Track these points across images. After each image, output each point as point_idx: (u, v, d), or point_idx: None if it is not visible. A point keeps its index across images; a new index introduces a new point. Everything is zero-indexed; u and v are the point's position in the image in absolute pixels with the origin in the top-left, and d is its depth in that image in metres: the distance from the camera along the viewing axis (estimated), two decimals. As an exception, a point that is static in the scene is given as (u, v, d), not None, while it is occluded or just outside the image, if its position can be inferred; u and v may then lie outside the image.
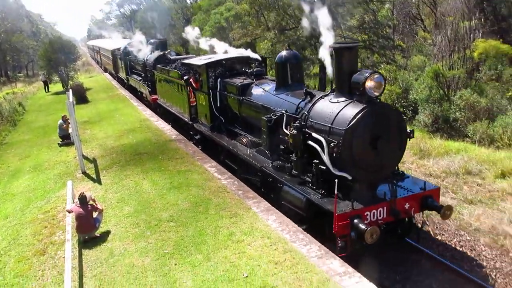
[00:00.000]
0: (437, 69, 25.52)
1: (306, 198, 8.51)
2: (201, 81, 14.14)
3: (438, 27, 31.36)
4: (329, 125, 8.39)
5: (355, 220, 7.65)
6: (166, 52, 22.84)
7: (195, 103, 15.20)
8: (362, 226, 7.50)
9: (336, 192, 7.57)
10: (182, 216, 9.65)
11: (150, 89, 22.87)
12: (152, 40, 26.41)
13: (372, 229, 7.40)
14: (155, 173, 12.62)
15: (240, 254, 7.87)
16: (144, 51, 25.48)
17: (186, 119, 16.14)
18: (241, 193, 10.64)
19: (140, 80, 25.70)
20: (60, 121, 17.54)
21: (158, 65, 20.15)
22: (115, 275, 7.62)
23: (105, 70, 47.58)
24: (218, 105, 13.68)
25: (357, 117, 7.95)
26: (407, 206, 8.34)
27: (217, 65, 13.96)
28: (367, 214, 7.90)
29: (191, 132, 16.13)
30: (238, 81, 12.85)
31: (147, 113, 22.22)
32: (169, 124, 19.07)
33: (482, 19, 30.46)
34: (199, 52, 27.06)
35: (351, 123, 7.94)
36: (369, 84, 8.01)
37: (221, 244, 8.30)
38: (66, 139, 17.23)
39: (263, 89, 11.49)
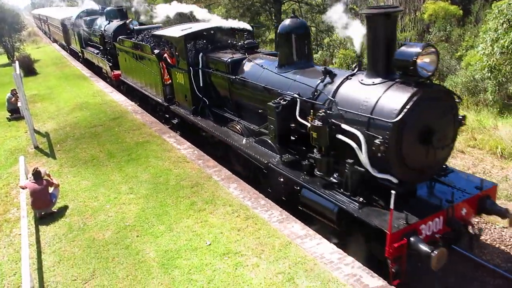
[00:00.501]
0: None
1: (338, 208, 6.68)
2: (177, 56, 12.21)
3: (390, -10, 31.68)
4: (368, 115, 6.46)
5: (412, 239, 5.92)
6: (127, 22, 20.09)
7: (169, 81, 13.26)
8: (425, 248, 5.77)
9: (392, 207, 5.76)
10: (142, 188, 9.54)
11: (111, 64, 20.52)
12: (109, 8, 23.74)
13: (440, 252, 5.67)
14: (112, 145, 12.35)
15: (202, 223, 7.89)
16: (100, 20, 23.41)
17: (159, 100, 14.13)
18: (201, 162, 10.58)
19: (98, 54, 23.16)
20: (9, 94, 16.82)
21: (120, 37, 17.91)
22: (75, 250, 7.50)
23: (55, 41, 44.49)
24: (201, 84, 11.64)
25: (409, 105, 6.03)
26: (464, 212, 6.71)
27: (198, 37, 12.00)
28: (422, 228, 6.22)
29: (167, 115, 14.13)
30: (226, 56, 10.83)
31: (101, 84, 21.56)
32: (136, 103, 17.17)
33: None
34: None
35: (402, 114, 6.01)
36: (423, 60, 6.11)
37: (183, 214, 8.29)
38: (15, 113, 16.57)
39: (261, 66, 9.60)
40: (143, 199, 9.04)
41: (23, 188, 8.98)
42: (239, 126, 10.37)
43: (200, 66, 11.61)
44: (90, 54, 25.03)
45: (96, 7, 25.65)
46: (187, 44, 11.67)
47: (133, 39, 16.56)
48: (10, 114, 16.70)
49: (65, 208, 9.04)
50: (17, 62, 17.80)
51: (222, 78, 10.85)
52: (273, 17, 34.57)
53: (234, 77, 10.21)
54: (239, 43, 11.27)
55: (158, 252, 7.17)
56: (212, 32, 12.15)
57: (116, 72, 19.53)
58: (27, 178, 9.51)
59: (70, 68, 27.93)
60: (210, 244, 7.22)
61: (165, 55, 13.03)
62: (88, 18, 24.64)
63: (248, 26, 11.87)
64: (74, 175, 10.59)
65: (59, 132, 14.15)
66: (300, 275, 6.25)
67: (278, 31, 9.25)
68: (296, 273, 6.30)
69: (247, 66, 10.16)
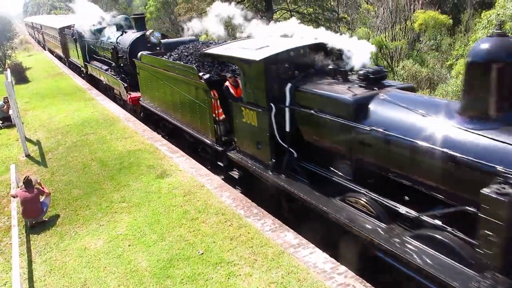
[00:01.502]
0: (381, 40, 26.19)
1: None
2: (246, 86, 8.68)
3: (380, -1, 32.04)
4: None
5: None
6: (147, 33, 16.95)
7: (222, 116, 10.02)
8: None
9: None
10: (134, 197, 9.50)
11: (126, 85, 16.91)
12: (120, 16, 20.88)
13: None
14: (104, 153, 12.30)
15: (195, 232, 7.86)
16: (109, 30, 20.32)
17: (207, 141, 10.60)
18: (194, 171, 10.57)
19: (107, 70, 19.44)
20: (0, 102, 16.71)
21: (143, 53, 14.30)
22: (66, 259, 7.44)
23: (50, 52, 41.25)
24: (288, 129, 8.11)
25: None
26: None
27: (284, 60, 8.39)
28: None
29: (220, 163, 10.40)
30: (342, 91, 7.19)
31: (93, 92, 21.50)
32: (161, 135, 13.92)
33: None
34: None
35: None
36: None
37: (175, 222, 8.26)
38: (6, 121, 16.45)
39: (423, 115, 5.99)
40: (135, 208, 9.00)
41: (14, 197, 8.91)
42: (367, 202, 6.71)
43: (288, 103, 8.00)
44: (96, 70, 21.46)
45: (106, 14, 22.35)
46: (268, 70, 8.11)
47: (166, 56, 12.90)
48: (1, 122, 16.58)
49: (56, 216, 8.98)
50: (8, 70, 17.72)
51: (334, 125, 7.09)
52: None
53: (367, 128, 6.51)
54: (356, 71, 7.63)
55: (150, 262, 7.13)
56: (301, 51, 8.53)
57: (134, 94, 16.10)
58: (18, 187, 9.44)
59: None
60: (202, 254, 7.20)
61: (227, 84, 9.50)
62: (94, 27, 21.71)
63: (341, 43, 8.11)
64: (66, 184, 10.53)
65: (50, 140, 14.07)
66: (293, 284, 6.25)
67: (469, 57, 5.56)
68: (289, 282, 6.29)
69: (387, 110, 6.53)
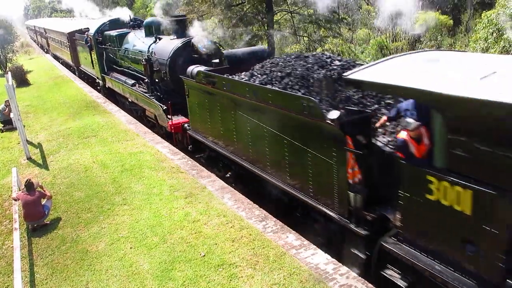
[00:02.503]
0: (381, 41, 26.20)
1: None
2: (446, 142, 4.97)
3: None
4: None
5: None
6: (195, 42, 12.93)
7: (358, 176, 6.32)
8: None
9: None
10: (136, 199, 9.50)
11: (164, 107, 13.23)
12: (152, 19, 16.66)
13: None
14: (106, 156, 12.30)
15: (196, 234, 7.86)
16: (134, 36, 16.96)
17: (329, 212, 6.91)
18: (195, 172, 10.57)
19: (134, 86, 16.12)
20: (2, 105, 16.74)
21: (201, 69, 10.60)
22: (68, 262, 7.44)
23: (55, 58, 38.33)
24: None
25: None
26: None
27: None
28: None
29: (358, 252, 6.56)
30: None
31: (94, 94, 21.51)
32: (222, 177, 10.52)
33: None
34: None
35: None
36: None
37: (177, 225, 8.25)
38: (8, 125, 16.47)
39: None
40: (136, 210, 8.99)
41: (15, 200, 8.92)
42: None
43: None
44: (118, 85, 17.84)
45: (123, 16, 19.16)
46: None
47: (242, 76, 9.54)
48: (2, 125, 16.61)
49: (58, 219, 8.97)
50: (9, 73, 17.75)
51: None
52: (266, 27, 34.75)
53: None
54: None
55: (152, 264, 7.12)
56: None
57: (177, 120, 12.70)
58: (20, 190, 9.44)
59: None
60: (204, 256, 7.19)
61: (404, 136, 5.71)
62: (114, 32, 18.14)
63: None
64: (67, 186, 10.53)
65: (52, 143, 14.07)
66: (295, 286, 6.23)
67: None
68: (291, 284, 6.28)
69: None
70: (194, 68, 11.14)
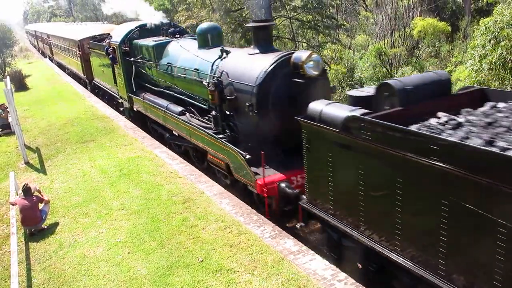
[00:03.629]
0: (380, 47, 26.25)
1: None
2: None
3: (379, 6, 32.20)
4: None
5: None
6: (298, 57, 8.55)
7: None
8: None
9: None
10: (134, 204, 9.48)
11: (248, 156, 8.71)
12: (212, 25, 12.59)
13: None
14: (104, 160, 12.29)
15: (194, 239, 7.84)
16: (176, 47, 12.95)
17: None
18: (194, 177, 10.56)
19: (182, 114, 11.98)
20: (-1, 109, 16.74)
21: (354, 113, 5.99)
22: (65, 267, 7.41)
23: (59, 67, 35.00)
24: None
25: None
26: None
27: None
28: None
29: None
30: None
31: (93, 99, 21.50)
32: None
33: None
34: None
35: None
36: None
37: (175, 230, 8.24)
38: (5, 129, 16.46)
39: None
40: (134, 215, 8.98)
41: (13, 205, 8.89)
42: None
43: None
44: (156, 111, 13.48)
45: (154, 21, 15.25)
46: None
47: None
48: (0, 129, 16.59)
49: (55, 224, 8.95)
50: (8, 77, 17.75)
51: None
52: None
53: None
54: None
55: (150, 269, 7.10)
56: None
57: (271, 177, 8.41)
58: (17, 194, 9.42)
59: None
60: (202, 261, 7.17)
61: None
62: (149, 42, 13.99)
63: None
64: (65, 191, 10.51)
65: (50, 147, 14.05)
66: (293, 291, 6.22)
67: None
68: (289, 289, 6.27)
69: None
70: (335, 110, 6.43)
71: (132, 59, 15.05)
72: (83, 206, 9.65)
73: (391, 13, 28.41)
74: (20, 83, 26.66)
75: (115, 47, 15.82)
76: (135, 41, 15.13)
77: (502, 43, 15.70)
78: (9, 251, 7.76)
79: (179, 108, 12.21)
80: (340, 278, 6.39)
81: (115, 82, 17.18)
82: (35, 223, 8.66)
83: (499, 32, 15.97)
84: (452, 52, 28.42)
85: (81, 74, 24.50)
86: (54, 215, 9.31)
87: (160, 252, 7.56)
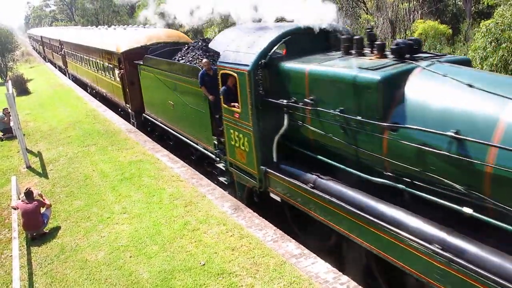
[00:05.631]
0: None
1: None
2: None
3: (380, 9, 32.20)
4: None
5: None
6: None
7: None
8: None
9: None
10: (135, 208, 9.47)
11: None
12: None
13: None
14: (105, 164, 12.29)
15: (196, 243, 7.83)
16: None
17: None
18: (195, 181, 10.55)
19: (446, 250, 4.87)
20: (1, 114, 16.75)
21: None
22: (67, 272, 7.40)
23: (73, 80, 29.05)
24: None
25: None
26: None
27: None
28: None
29: None
30: None
31: (94, 103, 21.53)
32: None
33: (420, 0, 31.60)
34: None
35: None
36: None
37: (177, 233, 8.23)
38: (7, 133, 16.48)
39: None
40: (136, 219, 8.97)
41: (14, 209, 8.90)
42: None
43: None
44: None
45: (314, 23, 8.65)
46: None
47: None
48: (2, 134, 16.62)
49: (57, 228, 8.95)
50: (9, 82, 17.79)
51: None
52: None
53: None
54: None
55: (152, 273, 7.09)
56: None
57: None
58: (19, 198, 9.42)
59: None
60: (204, 264, 7.15)
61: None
62: (365, 74, 5.99)
63: None
64: (67, 195, 10.51)
65: (51, 151, 14.06)
66: (295, 295, 6.20)
67: None
68: (291, 293, 6.25)
69: None
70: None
71: (284, 101, 7.44)
72: (84, 210, 9.65)
73: (392, 16, 28.44)
74: (22, 87, 26.75)
75: (237, 75, 8.15)
76: (287, 65, 7.64)
77: (504, 45, 15.70)
78: (11, 256, 7.75)
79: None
80: (343, 281, 6.36)
81: (215, 133, 9.96)
82: (37, 227, 8.66)
83: (500, 34, 15.96)
84: (453, 54, 28.40)
85: (120, 101, 17.48)
86: (55, 219, 9.31)
87: (162, 255, 7.55)
